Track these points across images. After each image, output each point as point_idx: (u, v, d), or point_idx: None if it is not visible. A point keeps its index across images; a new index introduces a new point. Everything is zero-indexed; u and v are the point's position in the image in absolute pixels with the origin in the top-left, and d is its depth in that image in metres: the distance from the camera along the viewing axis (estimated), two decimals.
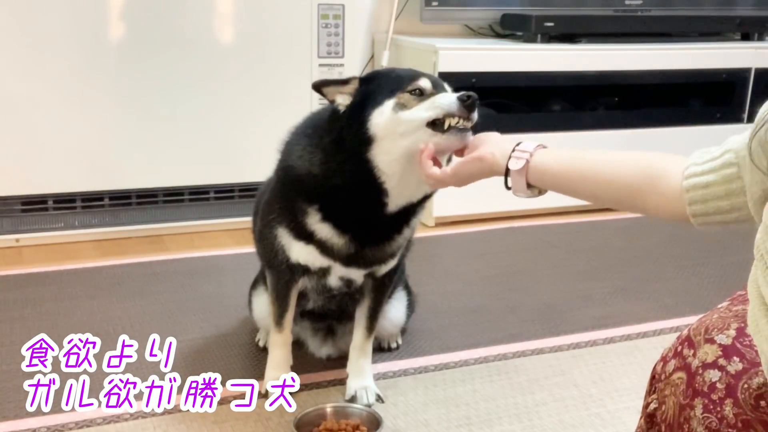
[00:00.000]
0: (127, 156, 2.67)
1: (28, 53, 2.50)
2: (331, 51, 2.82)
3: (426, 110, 1.42)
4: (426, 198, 1.56)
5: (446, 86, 1.50)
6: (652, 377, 0.98)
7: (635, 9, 3.33)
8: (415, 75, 1.48)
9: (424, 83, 1.46)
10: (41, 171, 2.59)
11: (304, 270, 1.63)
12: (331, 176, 1.50)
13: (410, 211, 1.56)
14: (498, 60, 2.97)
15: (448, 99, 1.42)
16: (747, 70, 3.33)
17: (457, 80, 2.90)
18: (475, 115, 1.43)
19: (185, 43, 2.65)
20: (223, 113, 2.74)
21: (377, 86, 1.47)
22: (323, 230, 1.55)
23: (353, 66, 2.90)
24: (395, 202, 1.51)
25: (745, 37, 3.49)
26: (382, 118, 1.44)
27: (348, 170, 1.48)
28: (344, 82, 1.49)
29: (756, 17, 3.48)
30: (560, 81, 3.08)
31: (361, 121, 1.45)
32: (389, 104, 1.44)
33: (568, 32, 3.12)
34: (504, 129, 2.99)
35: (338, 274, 1.63)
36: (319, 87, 1.49)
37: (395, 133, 1.43)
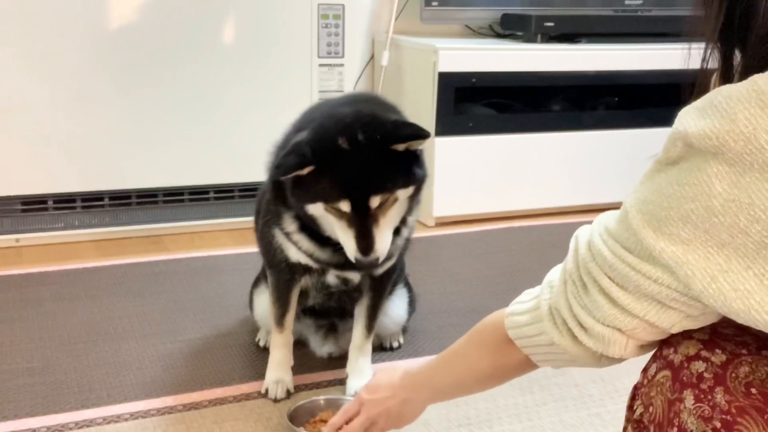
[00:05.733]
0: (127, 156, 2.67)
1: (29, 53, 2.50)
2: (331, 51, 2.82)
3: (337, 237, 1.49)
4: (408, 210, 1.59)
5: (372, 201, 1.44)
6: (634, 390, 1.00)
7: (635, 9, 3.33)
8: (339, 194, 1.43)
9: (344, 207, 1.44)
10: (41, 171, 2.59)
11: (304, 269, 1.64)
12: None
13: None
14: (498, 60, 2.97)
15: (349, 253, 1.47)
16: None
17: (457, 80, 2.94)
18: None
19: (185, 43, 2.65)
20: (223, 113, 2.74)
21: (314, 182, 1.45)
22: (302, 241, 1.59)
23: (353, 66, 2.90)
24: None
25: None
26: (316, 212, 1.49)
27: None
28: (308, 163, 1.44)
29: None
30: (560, 81, 3.07)
31: (299, 203, 1.50)
32: (320, 206, 1.46)
33: (568, 32, 3.12)
34: (504, 129, 3.04)
35: (335, 273, 1.64)
36: (288, 173, 1.45)
37: (327, 221, 1.50)
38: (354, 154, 1.43)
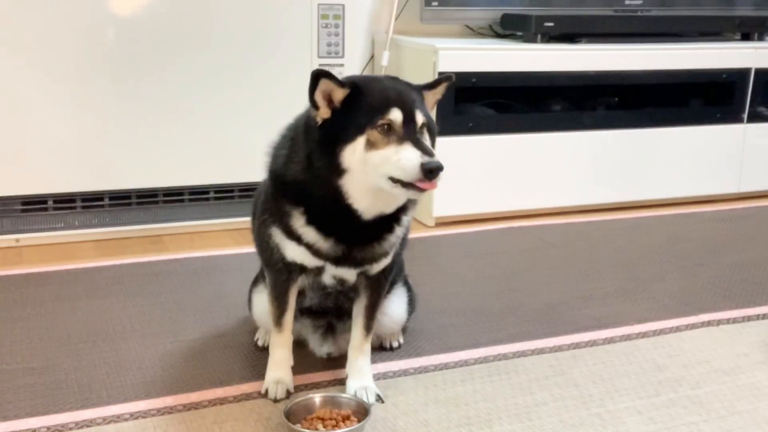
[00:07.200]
0: (127, 156, 2.67)
1: (29, 54, 2.50)
2: (331, 51, 2.82)
3: (389, 165, 1.43)
4: (404, 208, 1.59)
5: (418, 115, 1.47)
6: None
7: (635, 9, 3.33)
8: (387, 103, 1.45)
9: (395, 116, 1.44)
10: (41, 171, 2.59)
11: (301, 268, 1.63)
12: (312, 185, 1.53)
13: (394, 215, 1.58)
14: (498, 60, 2.97)
15: (411, 164, 1.42)
16: (747, 70, 3.33)
17: (457, 80, 2.93)
18: (437, 182, 1.45)
19: (185, 43, 2.65)
20: (223, 113, 2.74)
21: (352, 111, 1.46)
22: (308, 233, 1.57)
23: (353, 66, 2.90)
24: (368, 215, 1.53)
25: (745, 37, 3.49)
26: (354, 156, 1.45)
27: (320, 185, 1.51)
28: (341, 84, 1.47)
29: (756, 17, 3.48)
30: (560, 81, 3.08)
31: (332, 151, 1.46)
32: (361, 142, 1.44)
33: (568, 32, 3.12)
34: (504, 129, 3.04)
35: (331, 272, 1.64)
36: (319, 76, 1.45)
37: (364, 170, 1.46)
38: (389, 82, 1.53)
